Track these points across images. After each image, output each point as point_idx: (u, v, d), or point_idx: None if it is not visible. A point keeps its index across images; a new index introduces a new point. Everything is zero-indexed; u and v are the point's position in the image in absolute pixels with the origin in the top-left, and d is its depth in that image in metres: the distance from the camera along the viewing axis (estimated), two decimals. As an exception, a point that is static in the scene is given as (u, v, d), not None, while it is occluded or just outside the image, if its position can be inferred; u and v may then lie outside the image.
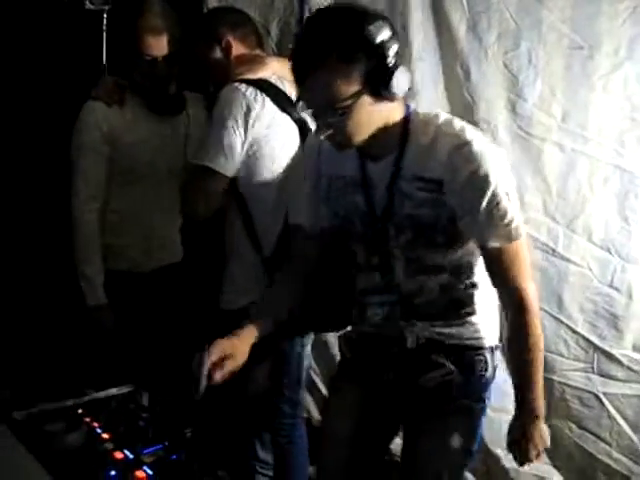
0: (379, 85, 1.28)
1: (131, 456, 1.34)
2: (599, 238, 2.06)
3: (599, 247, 2.06)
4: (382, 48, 1.27)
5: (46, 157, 2.41)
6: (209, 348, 1.39)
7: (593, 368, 2.14)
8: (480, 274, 1.45)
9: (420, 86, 2.18)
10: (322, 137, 1.35)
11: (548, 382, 2.20)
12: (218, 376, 1.38)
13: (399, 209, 1.40)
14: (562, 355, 2.17)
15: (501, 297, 1.46)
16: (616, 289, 2.07)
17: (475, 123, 2.12)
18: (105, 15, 2.55)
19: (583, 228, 2.07)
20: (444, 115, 1.40)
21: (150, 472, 1.29)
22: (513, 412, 2.24)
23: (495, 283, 1.43)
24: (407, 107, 1.40)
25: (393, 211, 1.41)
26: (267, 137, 1.81)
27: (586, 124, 2.02)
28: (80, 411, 1.46)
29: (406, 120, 1.38)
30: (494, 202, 1.33)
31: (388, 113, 1.35)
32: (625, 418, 2.13)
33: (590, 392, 2.15)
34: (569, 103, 2.03)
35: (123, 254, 2.15)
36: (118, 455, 1.33)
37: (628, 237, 2.04)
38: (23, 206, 2.68)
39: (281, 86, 1.85)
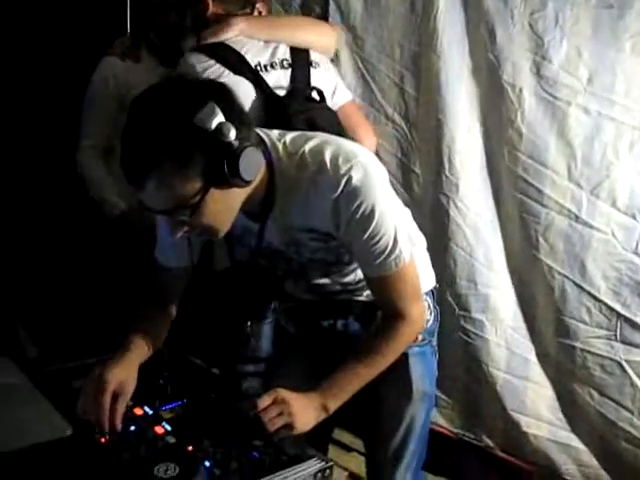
0: (224, 176, 1.15)
1: (150, 412, 1.38)
2: (624, 204, 2.00)
3: (623, 213, 2.00)
4: (218, 135, 1.13)
5: (68, 121, 2.45)
6: (98, 376, 1.29)
7: (616, 335, 2.10)
8: None
9: (445, 47, 2.13)
10: (179, 236, 1.23)
11: (570, 349, 2.18)
12: (119, 422, 1.27)
13: (298, 255, 1.39)
14: (585, 322, 2.14)
15: (381, 311, 1.42)
16: (641, 256, 2.03)
17: (500, 86, 2.09)
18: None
19: (608, 194, 2.01)
20: (312, 147, 1.27)
21: (169, 428, 1.33)
22: (536, 380, 2.26)
23: (378, 303, 1.42)
24: (268, 154, 1.27)
25: (287, 257, 1.40)
26: None
27: (613, 87, 1.95)
28: (103, 369, 1.51)
29: (270, 181, 1.28)
30: (375, 235, 1.28)
31: (247, 189, 1.24)
32: (647, 386, 2.11)
33: (612, 360, 2.12)
34: (596, 65, 1.96)
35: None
36: (138, 411, 1.38)
37: (654, 203, 2.00)
38: (49, 171, 2.74)
39: (244, 47, 1.86)
